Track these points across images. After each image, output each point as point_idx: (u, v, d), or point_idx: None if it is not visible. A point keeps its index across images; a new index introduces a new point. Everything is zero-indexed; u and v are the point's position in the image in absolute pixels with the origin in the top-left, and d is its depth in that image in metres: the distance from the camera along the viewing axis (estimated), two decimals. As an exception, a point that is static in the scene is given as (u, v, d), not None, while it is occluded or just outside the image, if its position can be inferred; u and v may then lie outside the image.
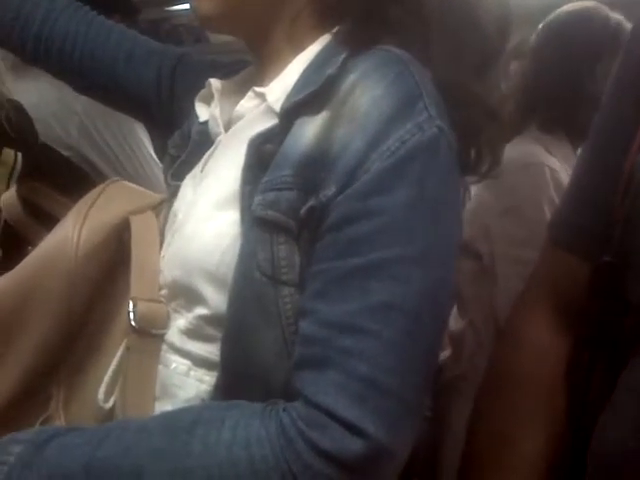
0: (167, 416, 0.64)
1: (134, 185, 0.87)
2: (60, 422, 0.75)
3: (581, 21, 1.33)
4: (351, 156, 0.60)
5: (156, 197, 0.84)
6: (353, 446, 0.56)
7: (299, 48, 0.70)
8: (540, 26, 1.38)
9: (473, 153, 0.69)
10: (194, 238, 0.68)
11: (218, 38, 0.85)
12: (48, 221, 0.82)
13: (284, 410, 0.59)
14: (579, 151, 1.34)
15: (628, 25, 1.31)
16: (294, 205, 0.61)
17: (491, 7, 0.70)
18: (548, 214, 1.24)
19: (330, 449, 0.56)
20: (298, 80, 0.67)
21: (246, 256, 0.63)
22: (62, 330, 0.75)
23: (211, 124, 0.77)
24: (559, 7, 1.37)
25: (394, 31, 0.66)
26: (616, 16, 1.33)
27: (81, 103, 1.44)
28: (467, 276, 1.37)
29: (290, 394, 0.60)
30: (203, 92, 0.80)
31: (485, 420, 0.81)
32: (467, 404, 1.32)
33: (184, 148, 0.81)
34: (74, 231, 0.75)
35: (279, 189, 0.62)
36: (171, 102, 0.90)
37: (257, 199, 0.63)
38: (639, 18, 0.73)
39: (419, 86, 0.62)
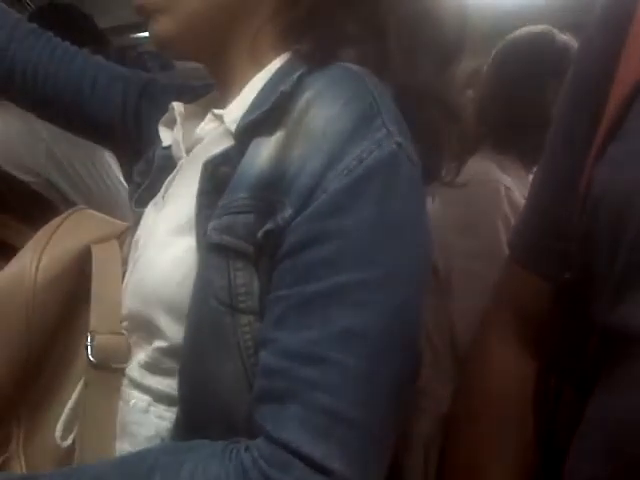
0: (123, 463, 0.60)
1: (98, 213, 0.84)
2: (20, 463, 0.72)
3: (531, 45, 1.39)
4: (307, 177, 0.57)
5: (121, 225, 0.81)
6: None
7: (259, 67, 0.68)
8: (494, 52, 1.44)
9: (437, 157, 0.67)
10: (151, 267, 0.65)
11: (184, 65, 0.82)
12: (8, 252, 0.79)
13: (246, 449, 0.55)
14: (534, 170, 1.40)
15: (575, 45, 1.38)
16: (251, 229, 0.58)
17: (447, 4, 0.67)
18: (502, 230, 1.28)
19: None
20: (254, 99, 0.64)
21: (202, 284, 0.60)
22: (22, 365, 0.72)
23: (174, 148, 0.74)
24: (510, 33, 1.43)
25: (352, 46, 0.64)
26: (563, 37, 1.40)
27: (47, 129, 1.43)
28: None
29: (252, 430, 0.57)
30: (167, 116, 0.77)
31: (455, 451, 0.78)
32: (427, 419, 1.30)
33: (149, 174, 0.78)
34: (32, 261, 0.72)
35: (235, 213, 0.59)
36: (138, 128, 0.87)
37: (212, 224, 0.60)
38: (585, 36, 0.71)
39: (377, 102, 0.59)
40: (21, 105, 0.93)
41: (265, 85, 0.65)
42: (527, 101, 1.34)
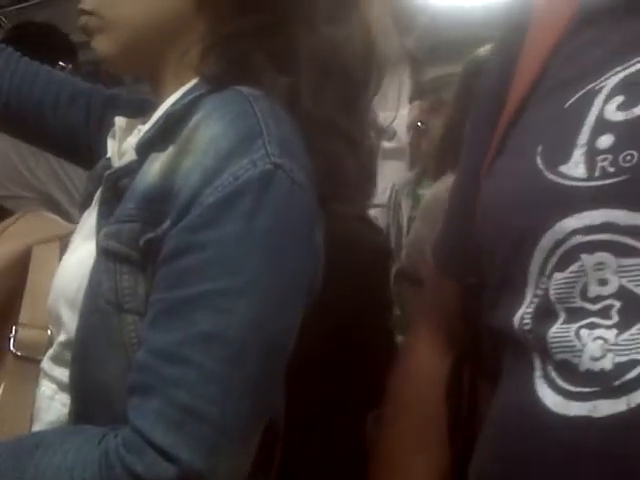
0: (18, 439, 0.67)
1: (50, 215, 0.91)
2: None
3: None
4: (188, 191, 0.62)
5: (67, 227, 0.88)
6: (165, 472, 0.57)
7: (180, 87, 0.73)
8: (462, 72, 1.42)
9: (335, 185, 0.71)
10: (64, 267, 0.72)
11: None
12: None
13: (115, 436, 0.61)
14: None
15: None
16: (134, 237, 0.64)
17: (354, 39, 0.71)
18: None
19: (144, 474, 0.57)
20: (158, 118, 0.70)
21: (93, 284, 0.66)
22: None
23: (112, 159, 0.81)
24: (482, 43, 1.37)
25: (261, 75, 0.68)
26: None
27: None
28: (412, 302, 1.39)
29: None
30: (113, 129, 0.83)
31: (378, 450, 0.82)
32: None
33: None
34: None
35: (123, 221, 0.65)
36: (100, 140, 0.92)
37: (104, 230, 0.66)
38: (490, 58, 0.74)
39: (260, 124, 0.64)
40: None
41: (170, 106, 0.70)
42: None
